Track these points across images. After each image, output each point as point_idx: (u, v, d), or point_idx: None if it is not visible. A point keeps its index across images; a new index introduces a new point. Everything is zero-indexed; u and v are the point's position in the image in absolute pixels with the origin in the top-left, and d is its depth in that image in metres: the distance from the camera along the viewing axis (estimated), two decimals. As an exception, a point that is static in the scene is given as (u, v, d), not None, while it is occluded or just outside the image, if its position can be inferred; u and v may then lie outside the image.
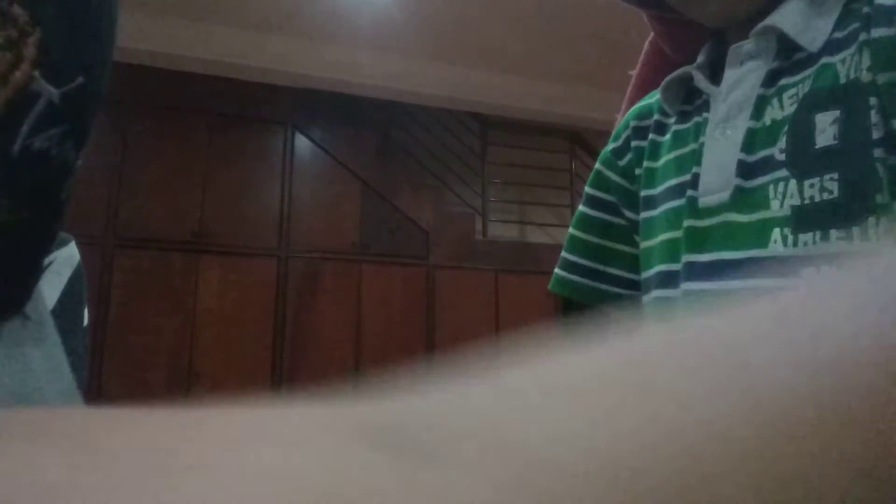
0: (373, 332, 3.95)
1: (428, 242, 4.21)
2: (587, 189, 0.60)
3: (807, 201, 0.39)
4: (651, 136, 0.55)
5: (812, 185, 0.39)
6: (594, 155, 4.99)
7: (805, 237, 0.38)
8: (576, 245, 0.59)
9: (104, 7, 0.30)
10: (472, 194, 4.68)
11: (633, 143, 0.56)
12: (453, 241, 4.28)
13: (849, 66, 0.39)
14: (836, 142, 0.38)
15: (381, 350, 3.93)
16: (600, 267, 0.57)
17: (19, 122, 0.26)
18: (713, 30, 0.52)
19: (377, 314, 3.97)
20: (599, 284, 0.57)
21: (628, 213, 0.57)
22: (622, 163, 0.57)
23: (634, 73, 0.64)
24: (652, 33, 0.61)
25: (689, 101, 0.52)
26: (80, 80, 0.28)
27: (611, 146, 0.59)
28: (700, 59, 0.51)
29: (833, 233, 0.37)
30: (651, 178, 0.53)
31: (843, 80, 0.39)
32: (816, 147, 0.39)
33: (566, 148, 4.88)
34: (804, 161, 0.39)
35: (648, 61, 0.62)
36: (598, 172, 0.59)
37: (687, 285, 0.44)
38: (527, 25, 3.67)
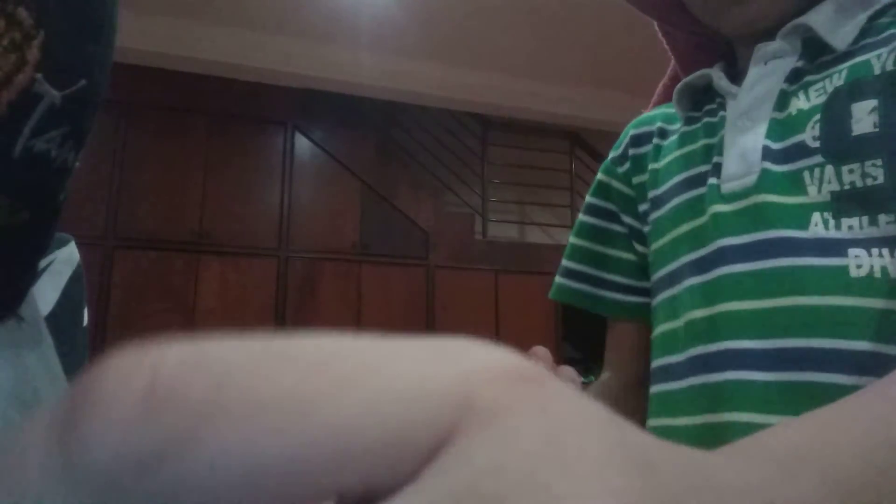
0: (373, 332, 3.94)
1: (428, 242, 4.21)
2: (588, 199, 0.62)
3: (847, 187, 0.39)
4: (655, 140, 0.56)
5: (852, 171, 0.39)
6: (594, 155, 4.94)
7: (850, 221, 0.39)
8: (576, 253, 0.60)
9: (105, 9, 0.30)
10: (472, 194, 4.68)
11: (631, 152, 0.57)
12: (453, 242, 4.28)
13: (885, 60, 0.40)
14: (876, 129, 0.38)
15: (381, 350, 3.93)
16: (601, 274, 0.58)
17: (21, 124, 0.26)
18: (725, 48, 0.53)
19: (377, 314, 3.97)
20: (600, 291, 0.58)
21: (627, 220, 0.57)
22: (621, 170, 0.58)
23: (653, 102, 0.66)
24: (669, 72, 0.63)
25: (699, 108, 0.53)
26: (82, 82, 0.28)
27: (611, 155, 0.60)
28: (715, 68, 0.52)
29: (882, 217, 0.37)
30: (655, 178, 0.53)
31: (877, 72, 0.40)
32: (853, 135, 0.39)
33: (566, 148, 4.87)
34: (840, 148, 0.40)
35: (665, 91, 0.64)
36: (599, 182, 0.61)
37: (723, 269, 0.43)
38: (527, 25, 3.67)
